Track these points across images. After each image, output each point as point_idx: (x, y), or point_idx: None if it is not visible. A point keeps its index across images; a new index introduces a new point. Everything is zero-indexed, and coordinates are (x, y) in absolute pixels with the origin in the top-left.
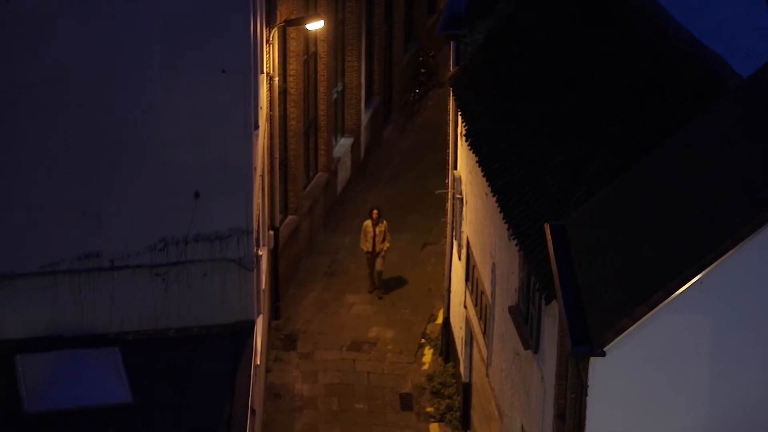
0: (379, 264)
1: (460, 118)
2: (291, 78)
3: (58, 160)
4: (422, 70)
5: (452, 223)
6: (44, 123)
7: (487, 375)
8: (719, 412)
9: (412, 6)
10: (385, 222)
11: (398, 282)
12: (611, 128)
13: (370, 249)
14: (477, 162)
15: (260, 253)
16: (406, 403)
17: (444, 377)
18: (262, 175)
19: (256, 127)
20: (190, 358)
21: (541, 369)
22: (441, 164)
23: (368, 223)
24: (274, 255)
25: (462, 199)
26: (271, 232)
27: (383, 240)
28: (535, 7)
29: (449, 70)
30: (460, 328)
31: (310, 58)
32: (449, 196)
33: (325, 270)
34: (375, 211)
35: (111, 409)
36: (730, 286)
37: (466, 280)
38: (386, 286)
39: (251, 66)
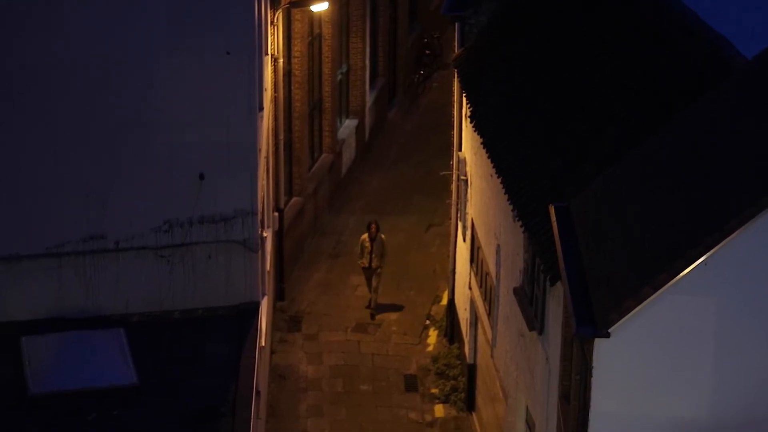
0: (374, 282)
1: (464, 99)
2: (295, 60)
3: (62, 142)
4: (427, 52)
5: (457, 205)
6: (49, 105)
7: (491, 356)
8: (724, 393)
9: None
10: (383, 236)
11: (403, 263)
12: (616, 109)
13: (367, 265)
14: (482, 143)
15: (265, 234)
16: (411, 384)
17: (449, 358)
18: (267, 157)
19: (261, 108)
20: (194, 339)
21: (545, 350)
22: (445, 146)
23: (365, 237)
24: (278, 236)
25: (467, 180)
26: (276, 214)
27: (381, 255)
28: None
29: (454, 52)
30: (465, 309)
31: (314, 39)
32: (454, 178)
33: (329, 251)
34: (374, 225)
35: (116, 391)
36: (735, 267)
37: (471, 261)
38: (391, 268)
39: (256, 48)
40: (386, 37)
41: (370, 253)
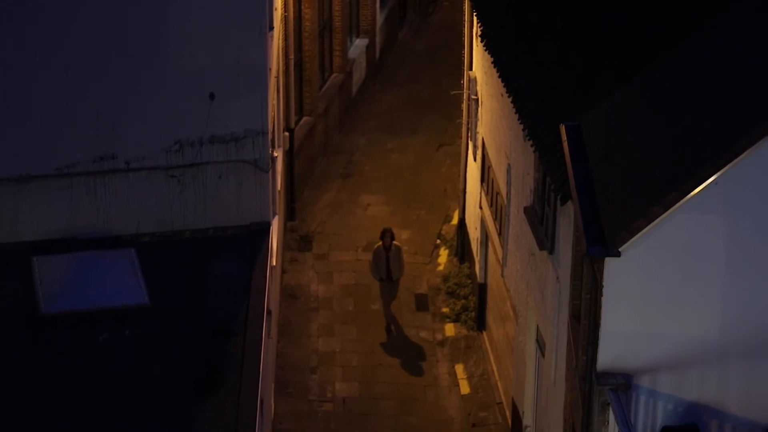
0: (393, 295)
1: (475, 18)
2: None
3: (73, 62)
4: None
5: (467, 124)
6: (59, 26)
7: (502, 275)
8: (733, 313)
9: None
10: (397, 244)
11: (414, 183)
12: (630, 28)
13: (384, 277)
14: (492, 62)
15: (275, 154)
16: (422, 303)
17: (459, 278)
18: (277, 77)
19: (271, 28)
20: (205, 259)
21: (556, 269)
22: (456, 65)
23: (379, 246)
24: (289, 156)
25: (477, 99)
26: (287, 134)
27: (399, 265)
28: None
29: None
30: (476, 228)
31: None
32: (465, 97)
33: (340, 171)
34: (388, 235)
35: (127, 310)
36: (745, 187)
37: (482, 180)
38: (402, 187)
39: None
40: None
41: (387, 264)
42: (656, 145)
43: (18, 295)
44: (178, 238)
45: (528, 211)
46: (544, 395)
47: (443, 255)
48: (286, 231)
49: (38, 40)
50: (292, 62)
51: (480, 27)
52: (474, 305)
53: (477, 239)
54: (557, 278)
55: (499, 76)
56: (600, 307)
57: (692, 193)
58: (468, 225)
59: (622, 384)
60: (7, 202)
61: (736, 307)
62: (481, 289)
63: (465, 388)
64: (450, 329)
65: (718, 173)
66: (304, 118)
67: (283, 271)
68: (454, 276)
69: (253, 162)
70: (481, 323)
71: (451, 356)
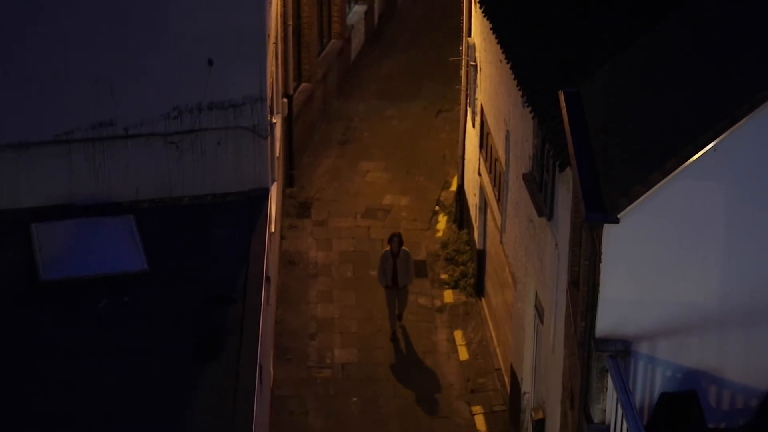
0: (399, 306)
1: None
2: None
3: (72, 28)
4: None
5: (466, 91)
6: None
7: (501, 242)
8: (732, 279)
9: None
10: (406, 249)
11: (413, 149)
12: None
13: (390, 284)
14: (491, 29)
15: (274, 120)
16: (421, 269)
17: (458, 244)
18: (276, 43)
19: None
20: (204, 225)
21: (555, 236)
22: (455, 31)
23: (387, 251)
24: (288, 123)
25: (476, 66)
26: (285, 100)
27: (407, 272)
28: None
29: None
30: (474, 195)
31: None
32: (463, 63)
33: (339, 137)
34: (396, 240)
35: (127, 277)
36: (744, 153)
37: (480, 147)
38: (401, 154)
39: None
40: None
41: (394, 270)
42: (655, 112)
43: (17, 262)
44: (177, 205)
45: (527, 178)
46: (543, 362)
47: (442, 221)
48: (285, 197)
49: (36, 6)
50: (290, 28)
51: None
52: (473, 272)
53: (476, 205)
54: (556, 245)
55: (498, 43)
56: (599, 273)
57: (691, 160)
58: (467, 191)
59: (621, 350)
60: (6, 169)
61: (734, 274)
62: (480, 256)
63: (464, 355)
64: (449, 296)
65: (717, 140)
66: (303, 85)
67: (282, 238)
68: (452, 242)
69: (251, 128)
70: (479, 290)
71: (449, 322)
